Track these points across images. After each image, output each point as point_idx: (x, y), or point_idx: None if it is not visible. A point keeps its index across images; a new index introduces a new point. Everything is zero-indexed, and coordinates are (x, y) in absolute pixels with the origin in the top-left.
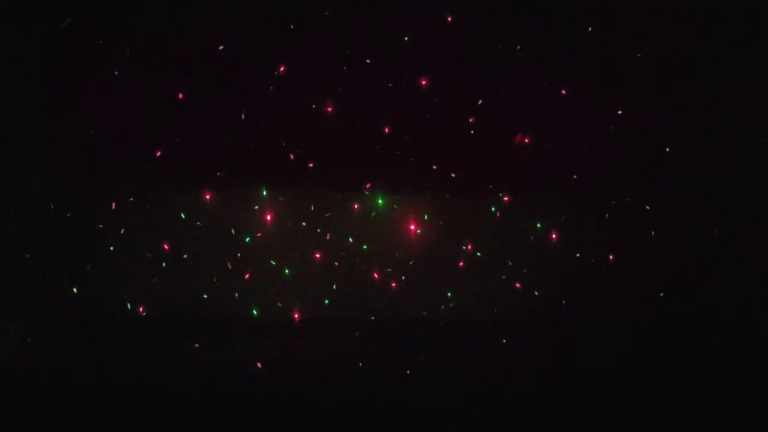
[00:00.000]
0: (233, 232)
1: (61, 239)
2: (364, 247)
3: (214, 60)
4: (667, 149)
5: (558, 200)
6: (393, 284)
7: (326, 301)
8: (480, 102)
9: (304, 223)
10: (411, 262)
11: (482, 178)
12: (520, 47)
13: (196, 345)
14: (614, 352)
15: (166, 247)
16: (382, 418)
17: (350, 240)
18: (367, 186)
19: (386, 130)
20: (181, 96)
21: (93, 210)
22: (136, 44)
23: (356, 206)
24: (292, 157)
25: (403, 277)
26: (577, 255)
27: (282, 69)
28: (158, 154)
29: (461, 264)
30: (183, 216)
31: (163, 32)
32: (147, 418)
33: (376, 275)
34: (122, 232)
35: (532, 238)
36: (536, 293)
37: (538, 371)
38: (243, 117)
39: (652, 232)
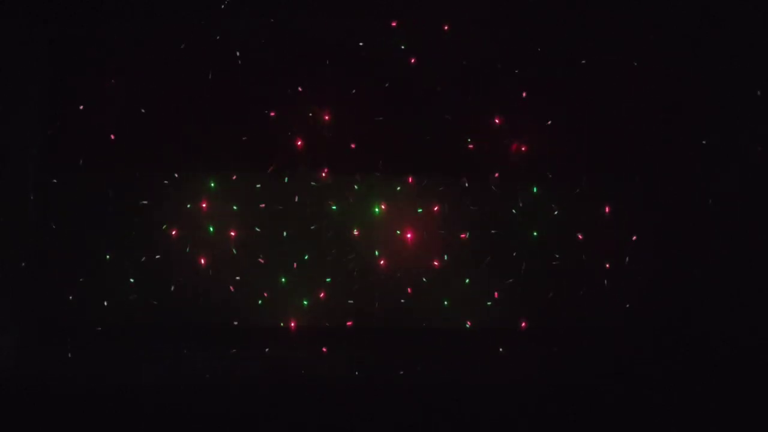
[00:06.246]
0: (229, 238)
1: (58, 246)
2: (361, 252)
3: (213, 62)
4: (669, 152)
5: (554, 208)
6: (391, 291)
7: (323, 309)
8: (477, 105)
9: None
10: (408, 269)
11: (479, 184)
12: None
13: (190, 352)
14: (614, 360)
15: (162, 255)
16: (379, 428)
17: (347, 245)
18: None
19: (382, 133)
20: (181, 100)
21: (91, 216)
22: (135, 47)
23: (351, 212)
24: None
25: (400, 285)
26: (575, 262)
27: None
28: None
29: (458, 271)
30: (178, 227)
31: (162, 34)
32: (141, 425)
33: (373, 282)
34: (120, 239)
35: (528, 243)
36: (533, 301)
37: (537, 380)
38: (242, 118)
39: (652, 238)
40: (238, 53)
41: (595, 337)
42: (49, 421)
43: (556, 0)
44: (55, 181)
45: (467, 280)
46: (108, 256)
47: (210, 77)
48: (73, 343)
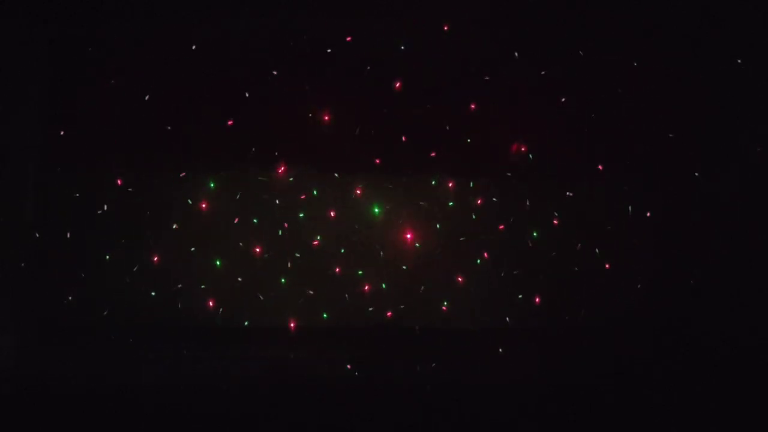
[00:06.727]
0: (230, 238)
1: (58, 246)
2: (360, 253)
3: (213, 63)
4: (669, 152)
5: (554, 208)
6: (389, 292)
7: (321, 310)
8: (477, 105)
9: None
10: (407, 270)
11: (479, 184)
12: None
13: (191, 353)
14: (614, 360)
15: (161, 255)
16: (379, 428)
17: (344, 248)
18: (359, 192)
19: (382, 135)
20: (181, 100)
21: (91, 216)
22: (135, 47)
23: (351, 212)
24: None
25: (400, 285)
26: (573, 263)
27: (277, 72)
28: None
29: (458, 272)
30: (175, 226)
31: (161, 36)
32: (141, 425)
33: (369, 283)
34: (117, 239)
35: (529, 244)
36: (533, 302)
37: (537, 380)
38: (242, 119)
39: (652, 238)
40: (238, 53)
41: (595, 337)
42: (49, 421)
43: (556, 0)
44: (55, 181)
45: (467, 280)
46: (108, 256)
47: (210, 77)
48: (73, 343)
